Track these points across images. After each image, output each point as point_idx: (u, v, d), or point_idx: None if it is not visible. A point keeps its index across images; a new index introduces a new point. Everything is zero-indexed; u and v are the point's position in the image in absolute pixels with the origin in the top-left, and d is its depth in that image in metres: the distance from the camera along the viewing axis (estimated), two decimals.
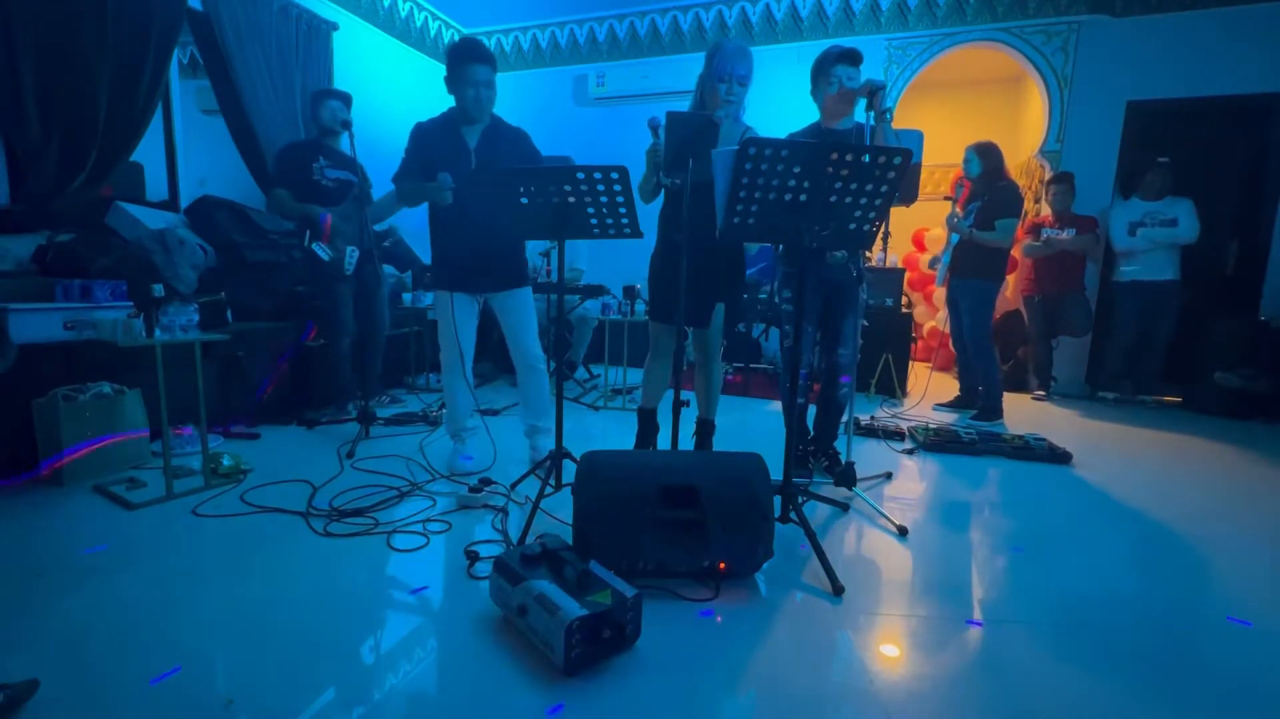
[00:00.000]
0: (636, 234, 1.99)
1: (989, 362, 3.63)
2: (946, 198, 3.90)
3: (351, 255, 3.10)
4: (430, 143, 2.35)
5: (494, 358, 4.71)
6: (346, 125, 2.86)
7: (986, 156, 3.60)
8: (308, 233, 3.04)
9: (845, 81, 2.23)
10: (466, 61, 2.23)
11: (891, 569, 1.81)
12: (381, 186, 3.34)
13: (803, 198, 1.69)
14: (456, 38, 5.84)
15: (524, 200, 1.91)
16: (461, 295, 2.46)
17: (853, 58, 2.22)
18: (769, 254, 4.92)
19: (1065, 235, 4.16)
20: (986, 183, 3.58)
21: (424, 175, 2.33)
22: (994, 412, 3.62)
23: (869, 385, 4.24)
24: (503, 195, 1.95)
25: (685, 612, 1.52)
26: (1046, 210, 4.43)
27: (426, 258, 4.92)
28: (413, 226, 4.76)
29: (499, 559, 1.46)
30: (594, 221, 1.96)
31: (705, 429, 2.49)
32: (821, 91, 2.30)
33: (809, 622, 1.51)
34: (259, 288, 3.41)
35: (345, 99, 3.19)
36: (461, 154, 2.34)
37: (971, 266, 3.57)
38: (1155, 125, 4.39)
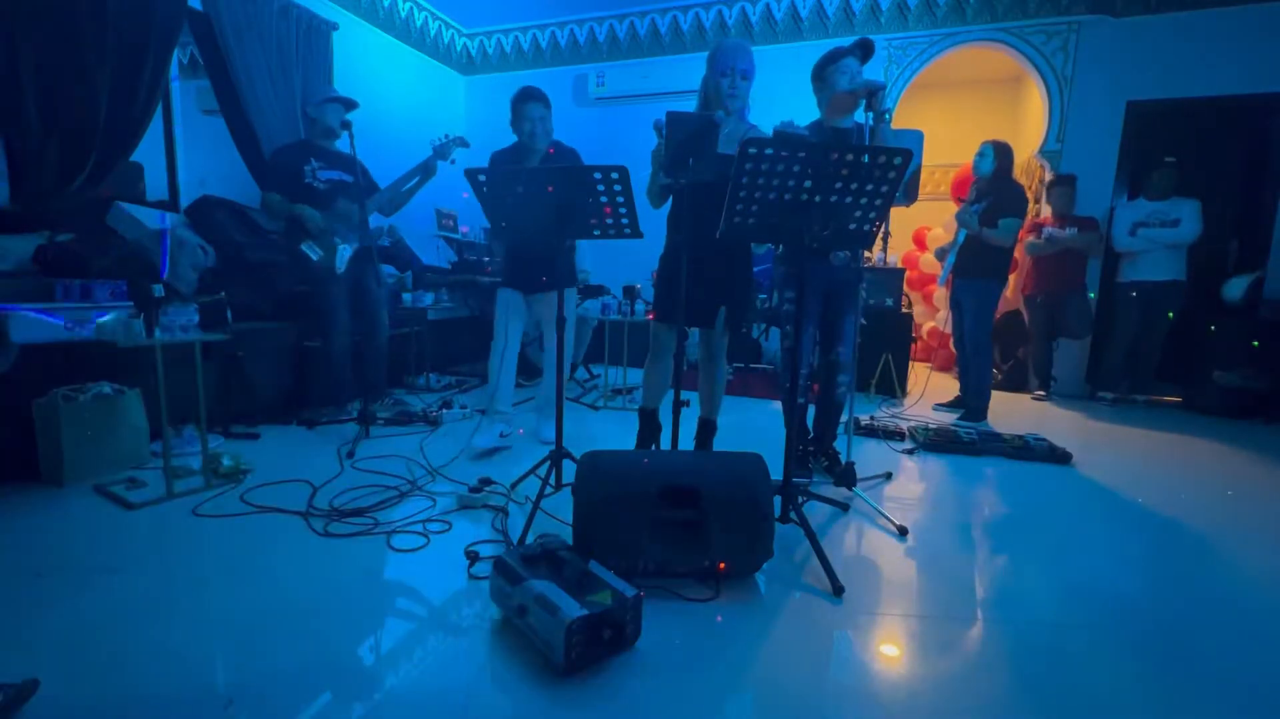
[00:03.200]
0: (636, 234, 1.99)
1: (985, 362, 3.62)
2: (960, 199, 3.87)
3: (343, 254, 3.10)
4: (499, 166, 2.69)
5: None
6: (346, 126, 2.91)
7: (1003, 155, 3.57)
8: (299, 233, 3.07)
9: (855, 76, 2.23)
10: (522, 101, 2.65)
11: (891, 569, 1.81)
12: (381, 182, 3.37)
13: (803, 198, 1.69)
14: (457, 39, 5.85)
15: (550, 189, 1.92)
16: (514, 291, 2.82)
17: (866, 48, 2.20)
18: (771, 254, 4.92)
19: (1068, 233, 4.16)
20: (995, 182, 3.55)
21: None
22: (980, 412, 3.62)
23: (869, 385, 4.24)
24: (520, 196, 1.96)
25: (685, 611, 1.52)
26: (1047, 211, 4.44)
27: (427, 258, 4.95)
28: (413, 227, 4.76)
29: (499, 559, 1.46)
30: (594, 221, 1.96)
31: (707, 429, 2.50)
32: (829, 87, 2.27)
33: (809, 622, 1.51)
34: (259, 288, 3.40)
35: (350, 105, 3.21)
36: None
37: (976, 267, 3.57)
38: (1155, 125, 4.39)
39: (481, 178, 1.90)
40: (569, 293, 2.86)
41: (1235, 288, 4.10)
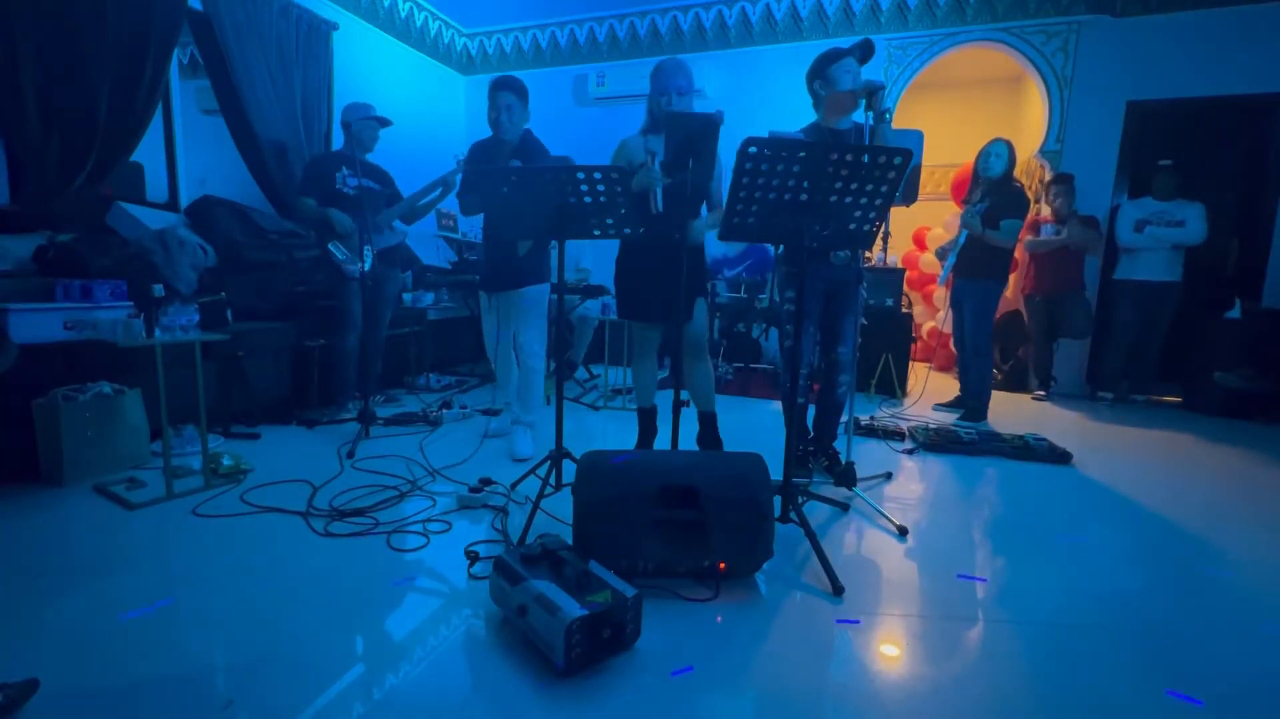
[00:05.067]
0: (636, 234, 1.99)
1: (985, 362, 3.62)
2: (961, 200, 3.84)
3: (366, 255, 3.15)
4: (480, 159, 2.72)
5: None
6: (347, 127, 2.95)
7: (1013, 155, 3.52)
8: (328, 234, 3.16)
9: (855, 77, 2.23)
10: (495, 89, 2.65)
11: (891, 569, 1.81)
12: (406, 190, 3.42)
13: (803, 198, 1.69)
14: (457, 39, 5.85)
15: (504, 190, 1.95)
16: (487, 293, 2.88)
17: (866, 49, 2.20)
18: (755, 253, 4.93)
19: (1064, 234, 4.17)
20: (1001, 183, 3.50)
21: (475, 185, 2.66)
22: (980, 412, 3.62)
23: (869, 385, 4.24)
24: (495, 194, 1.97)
25: (685, 611, 1.52)
26: (1047, 211, 4.44)
27: (427, 258, 4.94)
28: (413, 227, 4.75)
29: (499, 559, 1.46)
30: (593, 221, 1.96)
31: (707, 422, 2.49)
32: (830, 86, 2.26)
33: (809, 622, 1.51)
34: (259, 288, 3.41)
35: (384, 123, 3.28)
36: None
37: (977, 267, 3.56)
38: (1155, 125, 4.39)
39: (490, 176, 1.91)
40: (535, 290, 2.81)
41: (1234, 312, 4.11)
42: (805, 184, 1.66)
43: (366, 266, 3.15)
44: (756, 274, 4.83)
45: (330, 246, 3.16)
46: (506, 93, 2.64)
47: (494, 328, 2.92)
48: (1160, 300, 4.08)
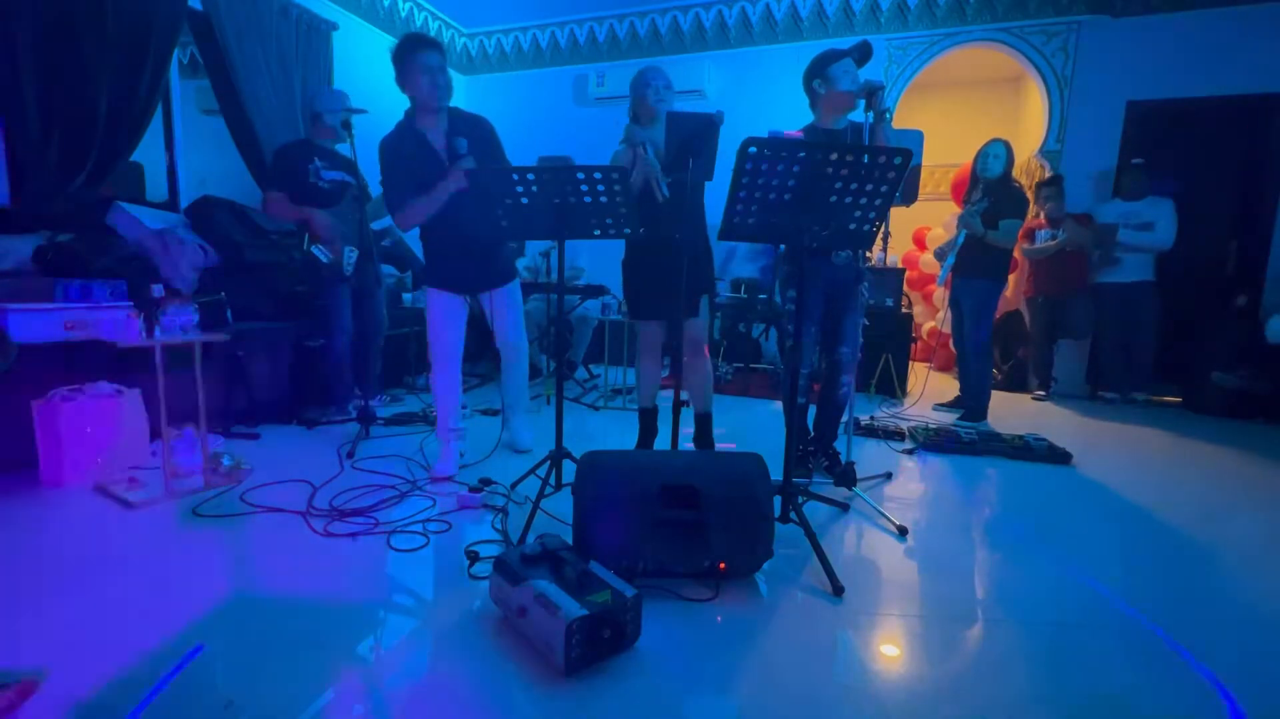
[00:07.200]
0: (636, 232, 2.00)
1: (985, 362, 3.62)
2: (965, 202, 3.84)
3: (350, 256, 3.11)
4: (401, 153, 2.32)
5: (496, 357, 4.71)
6: (347, 125, 2.90)
7: (1011, 155, 3.52)
8: (306, 236, 3.05)
9: (854, 78, 2.23)
10: (416, 50, 2.18)
11: (891, 569, 1.81)
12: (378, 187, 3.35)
13: (803, 197, 1.69)
14: (457, 39, 5.85)
15: (524, 201, 1.89)
16: (451, 294, 2.51)
17: (864, 51, 2.19)
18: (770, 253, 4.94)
19: (1060, 238, 4.19)
20: (1000, 183, 3.50)
21: (416, 185, 2.32)
22: (980, 412, 3.62)
23: (869, 385, 4.24)
24: (497, 193, 1.94)
25: (685, 611, 1.52)
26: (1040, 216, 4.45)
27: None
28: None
29: (499, 559, 1.46)
30: (593, 221, 1.96)
31: (703, 423, 2.49)
32: (830, 84, 2.26)
33: (809, 622, 1.51)
34: (259, 288, 3.41)
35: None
36: (431, 158, 2.34)
37: (976, 267, 3.55)
38: (1155, 125, 4.39)
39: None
40: (516, 285, 2.67)
41: (1242, 301, 4.12)
42: (805, 184, 1.66)
43: (349, 269, 3.10)
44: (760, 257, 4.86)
45: (314, 249, 3.04)
46: (431, 52, 2.18)
47: (457, 335, 2.55)
48: (1138, 300, 4.12)
